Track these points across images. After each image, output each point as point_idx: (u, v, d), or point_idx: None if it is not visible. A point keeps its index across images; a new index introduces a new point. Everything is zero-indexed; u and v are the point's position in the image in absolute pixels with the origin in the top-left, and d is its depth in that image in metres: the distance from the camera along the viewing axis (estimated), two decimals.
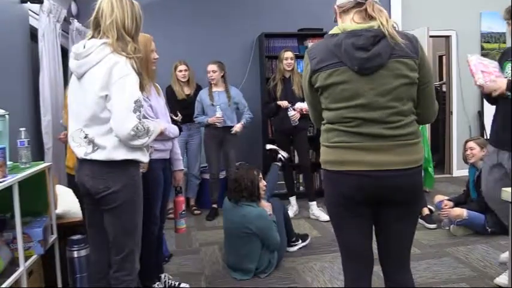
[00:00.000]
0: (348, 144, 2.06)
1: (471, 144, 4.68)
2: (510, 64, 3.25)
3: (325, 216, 5.22)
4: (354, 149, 2.05)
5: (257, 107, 6.48)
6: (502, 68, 3.31)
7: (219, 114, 5.38)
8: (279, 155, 5.03)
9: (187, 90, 5.69)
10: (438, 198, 5.11)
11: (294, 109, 5.31)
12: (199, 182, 5.93)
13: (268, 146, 5.23)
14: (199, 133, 5.79)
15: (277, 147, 5.15)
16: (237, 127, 5.51)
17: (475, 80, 3.23)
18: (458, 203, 4.87)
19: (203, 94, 5.55)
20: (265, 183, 4.02)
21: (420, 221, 5.03)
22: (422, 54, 2.05)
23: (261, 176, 3.95)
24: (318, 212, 5.42)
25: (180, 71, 5.62)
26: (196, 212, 5.80)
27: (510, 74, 3.21)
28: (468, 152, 4.68)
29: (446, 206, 4.84)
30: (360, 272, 2.22)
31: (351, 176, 2.06)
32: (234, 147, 5.57)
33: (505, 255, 3.47)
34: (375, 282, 2.33)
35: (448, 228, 4.79)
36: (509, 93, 3.15)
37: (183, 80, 5.64)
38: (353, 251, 2.21)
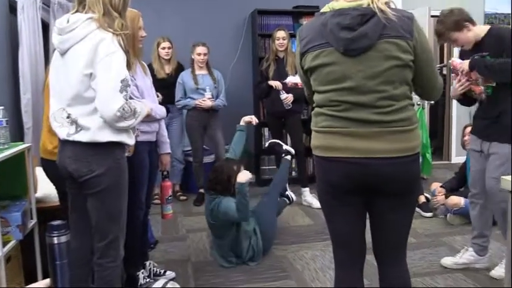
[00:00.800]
0: (335, 129, 2.06)
1: (470, 129, 4.66)
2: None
3: (318, 203, 5.24)
4: (341, 134, 2.04)
5: (248, 88, 6.48)
6: None
7: (208, 94, 5.37)
8: (284, 148, 5.00)
9: (167, 69, 5.64)
10: (435, 185, 5.16)
11: (291, 83, 5.30)
12: (183, 166, 5.94)
13: (271, 141, 5.23)
14: (181, 115, 5.78)
15: (280, 142, 5.15)
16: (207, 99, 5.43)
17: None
18: (451, 188, 4.93)
19: (186, 77, 5.50)
20: (246, 178, 3.72)
21: (416, 209, 5.05)
22: (420, 36, 1.99)
23: (241, 171, 3.83)
24: (310, 198, 5.46)
25: (163, 48, 5.56)
26: (182, 197, 5.82)
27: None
28: (466, 138, 4.69)
29: (439, 193, 4.89)
30: (350, 261, 2.25)
31: (338, 163, 2.06)
32: (220, 129, 5.56)
33: (497, 273, 3.57)
34: (367, 270, 2.36)
35: (444, 216, 4.85)
36: (488, 90, 3.21)
37: (165, 57, 5.59)
38: (343, 240, 2.23)
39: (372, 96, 1.98)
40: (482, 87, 3.21)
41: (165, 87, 5.39)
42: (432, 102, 3.12)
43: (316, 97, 2.14)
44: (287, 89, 5.37)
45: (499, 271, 3.48)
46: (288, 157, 4.84)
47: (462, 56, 3.36)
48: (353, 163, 2.02)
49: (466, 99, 3.39)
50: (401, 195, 2.08)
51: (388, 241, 2.20)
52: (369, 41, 1.95)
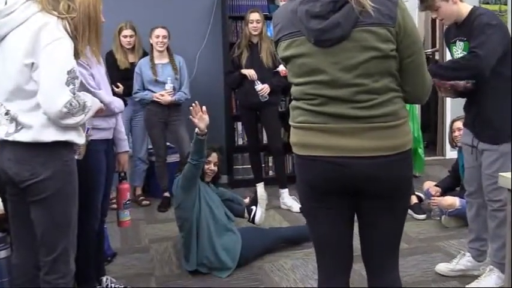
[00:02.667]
0: (310, 125, 2.05)
1: (459, 124, 4.47)
2: (454, 46, 3.34)
3: (297, 206, 5.25)
4: (317, 130, 2.03)
5: (218, 78, 6.43)
6: (450, 51, 3.45)
7: (168, 87, 5.34)
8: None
9: (131, 58, 5.59)
10: (428, 184, 5.20)
11: (284, 72, 5.27)
12: (146, 167, 5.89)
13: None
14: (144, 110, 5.72)
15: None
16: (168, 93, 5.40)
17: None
18: (447, 188, 4.97)
19: (144, 66, 5.44)
20: (213, 168, 4.15)
21: (408, 210, 5.11)
22: (405, 21, 1.95)
23: (211, 159, 4.09)
24: (290, 201, 5.46)
25: (125, 36, 5.50)
26: (144, 202, 5.76)
27: (460, 53, 3.28)
28: (456, 134, 4.67)
29: (436, 193, 4.93)
30: (335, 270, 2.24)
31: (315, 162, 2.06)
32: (184, 124, 5.52)
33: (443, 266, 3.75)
34: (354, 280, 2.36)
35: (439, 218, 4.89)
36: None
37: (127, 46, 5.53)
38: (326, 246, 2.22)
39: (349, 90, 1.97)
40: (461, 83, 3.25)
41: (129, 78, 5.34)
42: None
43: (292, 89, 2.14)
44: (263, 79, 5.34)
45: (442, 266, 3.71)
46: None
47: (447, 38, 3.43)
48: (330, 162, 2.02)
49: (463, 92, 3.41)
50: (389, 197, 2.07)
51: (377, 248, 2.19)
52: (341, 31, 1.92)
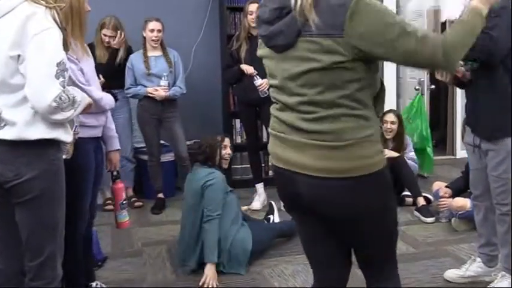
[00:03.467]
0: (273, 132, 2.12)
1: None
2: None
3: None
4: (276, 138, 2.10)
5: (215, 73, 6.42)
6: None
7: (163, 83, 5.32)
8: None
9: (114, 51, 5.50)
10: (437, 185, 5.19)
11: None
12: (134, 165, 5.88)
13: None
14: (128, 104, 5.70)
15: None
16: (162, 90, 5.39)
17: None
18: (458, 190, 4.96)
19: (136, 60, 5.42)
20: (230, 152, 4.24)
21: (415, 213, 5.13)
22: (355, 23, 1.82)
23: (226, 143, 4.18)
24: None
25: (105, 35, 5.41)
26: (137, 203, 5.74)
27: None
28: None
29: (445, 194, 4.92)
30: (329, 282, 2.27)
31: (277, 174, 2.14)
32: (179, 121, 5.52)
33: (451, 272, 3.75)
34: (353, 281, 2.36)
35: (448, 221, 4.88)
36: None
37: (106, 45, 5.45)
38: (314, 262, 2.28)
39: (294, 99, 1.99)
40: (462, 68, 3.23)
41: (108, 71, 5.27)
42: (442, 79, 3.19)
43: None
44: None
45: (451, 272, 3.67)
46: None
47: None
48: (284, 175, 2.07)
49: (461, 83, 3.38)
50: (350, 221, 2.03)
51: (363, 259, 2.20)
52: (285, 39, 1.94)
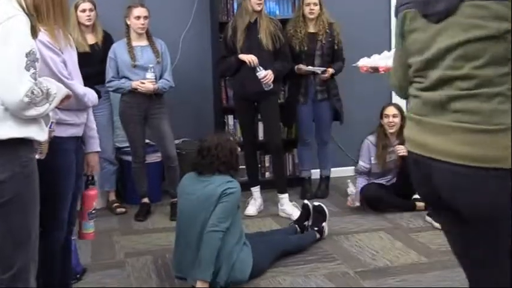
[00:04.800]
0: (412, 116, 2.13)
1: None
2: None
3: (298, 214, 5.23)
4: (415, 122, 2.11)
5: (206, 64, 6.40)
6: None
7: (150, 76, 5.30)
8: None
9: (91, 39, 5.51)
10: None
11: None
12: (115, 168, 5.86)
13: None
14: (108, 100, 5.68)
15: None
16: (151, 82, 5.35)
17: None
18: None
19: (119, 50, 5.39)
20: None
21: (428, 218, 5.14)
22: None
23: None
24: (290, 208, 5.44)
25: (84, 10, 5.40)
26: (119, 209, 5.73)
27: None
28: None
29: None
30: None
31: (412, 161, 2.15)
32: (167, 118, 5.52)
33: None
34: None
35: None
36: None
37: (87, 23, 5.43)
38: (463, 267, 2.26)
39: (446, 74, 1.96)
40: None
41: (89, 63, 5.23)
42: None
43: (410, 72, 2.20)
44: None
45: None
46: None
47: None
48: (421, 163, 2.07)
49: None
50: (475, 220, 1.97)
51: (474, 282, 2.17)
52: (446, 4, 1.93)
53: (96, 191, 3.57)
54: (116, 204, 5.79)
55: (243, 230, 4.15)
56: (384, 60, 3.57)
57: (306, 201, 5.04)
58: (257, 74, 5.24)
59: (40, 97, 2.25)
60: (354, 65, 3.72)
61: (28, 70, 2.19)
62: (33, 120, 2.32)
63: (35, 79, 2.22)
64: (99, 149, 3.48)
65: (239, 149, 4.15)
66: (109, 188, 5.82)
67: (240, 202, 4.08)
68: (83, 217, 3.48)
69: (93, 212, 3.49)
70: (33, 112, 2.25)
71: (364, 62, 3.71)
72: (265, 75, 5.22)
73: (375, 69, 3.60)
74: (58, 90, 2.40)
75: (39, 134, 2.38)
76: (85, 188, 3.47)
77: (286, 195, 5.54)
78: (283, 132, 6.31)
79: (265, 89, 5.27)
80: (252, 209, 5.55)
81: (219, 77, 6.16)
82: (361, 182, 5.62)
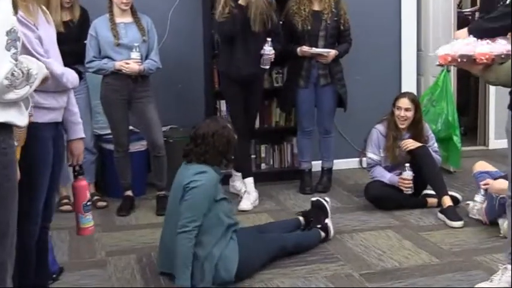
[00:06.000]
0: None
1: None
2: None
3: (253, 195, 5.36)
4: None
5: (196, 44, 6.38)
6: None
7: (135, 55, 5.30)
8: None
9: (66, 16, 5.44)
10: (481, 166, 5.15)
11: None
12: (95, 157, 5.85)
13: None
14: (85, 83, 5.61)
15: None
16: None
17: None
18: None
19: (101, 27, 5.36)
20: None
21: (440, 215, 5.15)
22: None
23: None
24: (239, 184, 5.65)
25: None
26: (100, 203, 5.74)
27: None
28: None
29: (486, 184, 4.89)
30: None
31: None
32: (153, 103, 5.53)
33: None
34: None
35: (487, 224, 4.86)
36: None
37: (66, 5, 5.40)
38: None
39: None
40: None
41: (65, 41, 5.18)
42: None
43: None
44: None
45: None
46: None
47: None
48: None
49: None
50: None
51: None
52: None
53: (86, 182, 3.59)
54: (96, 198, 5.77)
55: (231, 224, 4.10)
56: (486, 46, 3.39)
57: (317, 198, 4.97)
58: (264, 47, 5.38)
59: (20, 79, 2.25)
60: (433, 54, 3.60)
61: (9, 50, 2.19)
62: (13, 103, 2.33)
63: (16, 60, 2.23)
64: (83, 135, 3.48)
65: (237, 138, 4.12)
66: (88, 180, 5.80)
67: (220, 196, 4.04)
68: (78, 210, 3.50)
69: (88, 203, 3.52)
70: (12, 96, 2.25)
71: (448, 51, 3.48)
72: (271, 50, 5.40)
73: (469, 59, 3.39)
74: (39, 70, 2.40)
75: (20, 118, 2.39)
76: (74, 180, 3.48)
77: (251, 179, 5.72)
78: (281, 119, 6.35)
79: (263, 66, 5.48)
80: (245, 203, 5.57)
81: (210, 58, 6.15)
82: (379, 172, 5.53)
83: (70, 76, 3.16)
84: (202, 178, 3.88)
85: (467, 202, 5.22)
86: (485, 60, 3.30)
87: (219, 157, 4.00)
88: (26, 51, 2.73)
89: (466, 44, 3.41)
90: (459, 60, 3.39)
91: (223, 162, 4.06)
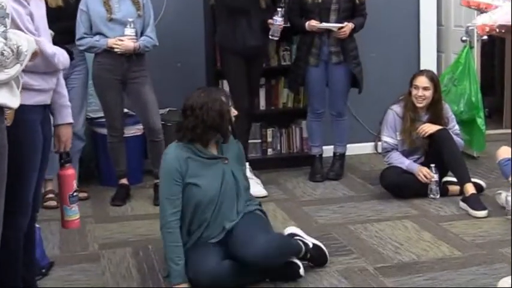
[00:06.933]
0: None
1: None
2: None
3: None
4: None
5: (196, 20, 6.37)
6: None
7: (129, 31, 5.30)
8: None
9: None
10: (505, 152, 5.12)
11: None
12: (83, 144, 5.80)
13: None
14: (84, 62, 5.64)
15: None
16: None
17: None
18: None
19: (92, 1, 5.33)
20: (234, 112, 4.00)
21: (462, 204, 5.15)
22: None
23: (231, 103, 3.96)
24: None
25: None
26: (81, 194, 5.42)
27: None
28: None
29: None
30: None
31: None
32: (149, 83, 5.52)
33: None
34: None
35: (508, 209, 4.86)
36: None
37: None
38: None
39: None
40: None
41: (61, 18, 5.21)
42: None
43: None
44: None
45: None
46: None
47: None
48: None
49: None
50: None
51: None
52: None
53: (74, 171, 3.60)
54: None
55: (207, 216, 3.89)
56: None
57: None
58: (274, 17, 5.42)
59: (10, 58, 2.26)
60: (470, 24, 3.58)
61: None
62: (3, 84, 2.34)
63: (5, 38, 2.23)
64: (71, 120, 3.49)
65: (235, 112, 3.93)
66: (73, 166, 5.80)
67: (188, 179, 3.82)
68: (63, 201, 3.51)
69: (75, 194, 3.52)
70: (2, 76, 2.26)
71: (486, 20, 3.48)
72: (280, 21, 5.45)
73: (507, 29, 3.39)
74: (29, 45, 2.40)
75: (12, 98, 2.40)
76: (60, 168, 3.49)
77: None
78: (289, 100, 6.35)
79: (271, 37, 5.54)
80: (258, 188, 5.51)
81: (211, 34, 6.10)
82: (396, 158, 5.52)
83: (61, 57, 3.16)
84: (164, 158, 3.89)
85: (499, 191, 5.19)
86: None
87: (210, 132, 3.81)
88: (16, 27, 2.73)
89: (505, 14, 3.45)
90: (497, 30, 3.44)
91: (217, 137, 3.88)
